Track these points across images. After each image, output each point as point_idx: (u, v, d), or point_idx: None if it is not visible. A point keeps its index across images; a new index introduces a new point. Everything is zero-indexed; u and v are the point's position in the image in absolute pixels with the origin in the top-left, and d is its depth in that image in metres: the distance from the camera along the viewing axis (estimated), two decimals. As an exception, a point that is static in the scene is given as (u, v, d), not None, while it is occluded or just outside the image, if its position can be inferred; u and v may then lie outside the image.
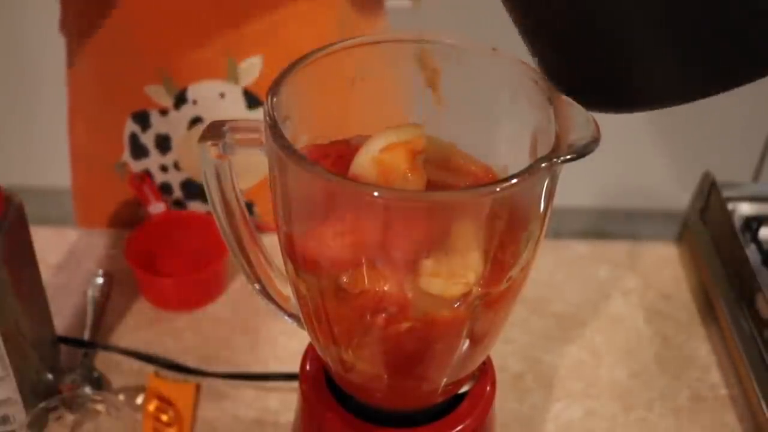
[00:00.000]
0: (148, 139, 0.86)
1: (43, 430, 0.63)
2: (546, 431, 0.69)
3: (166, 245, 0.81)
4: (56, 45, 0.88)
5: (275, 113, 0.43)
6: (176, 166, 0.88)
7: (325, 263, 0.43)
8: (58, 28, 0.86)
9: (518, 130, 0.47)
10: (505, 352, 0.75)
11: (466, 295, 0.43)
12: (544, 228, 0.45)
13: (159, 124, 0.85)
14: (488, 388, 0.53)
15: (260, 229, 0.86)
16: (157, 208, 0.84)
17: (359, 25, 0.87)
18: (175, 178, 0.89)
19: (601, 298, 0.81)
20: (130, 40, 0.80)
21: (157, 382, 0.70)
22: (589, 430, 0.69)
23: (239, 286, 0.80)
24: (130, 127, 0.86)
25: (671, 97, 0.40)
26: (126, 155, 0.88)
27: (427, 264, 0.42)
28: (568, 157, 0.41)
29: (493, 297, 0.44)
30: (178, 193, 0.90)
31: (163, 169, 0.88)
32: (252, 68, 0.82)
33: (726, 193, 0.81)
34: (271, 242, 0.50)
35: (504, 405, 0.70)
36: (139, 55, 0.81)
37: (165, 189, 0.89)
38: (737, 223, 0.80)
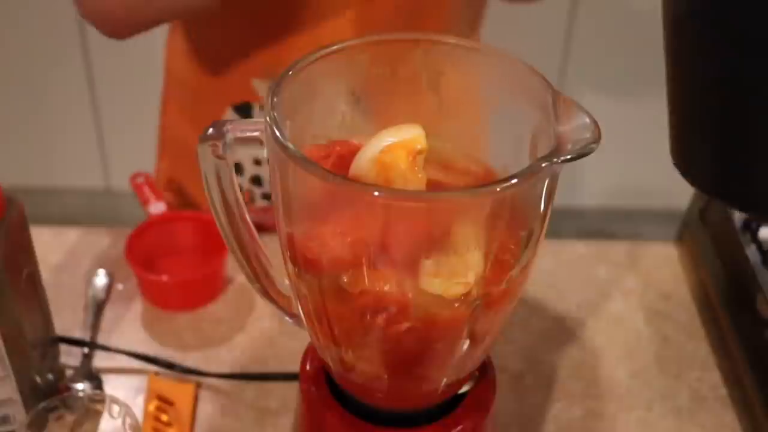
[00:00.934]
0: None
1: (43, 430, 0.63)
2: (546, 431, 0.69)
3: (166, 245, 0.81)
4: (56, 45, 0.87)
5: (276, 113, 0.43)
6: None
7: (325, 263, 0.43)
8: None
9: (518, 130, 0.47)
10: (505, 352, 0.75)
11: (466, 295, 0.43)
12: (544, 228, 0.45)
13: (259, 118, 0.86)
14: (488, 388, 0.53)
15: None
16: (157, 208, 0.84)
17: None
18: (266, 172, 0.90)
19: (601, 298, 0.81)
20: (240, 34, 0.82)
21: (157, 382, 0.70)
22: (589, 430, 0.69)
23: (239, 286, 0.80)
24: (229, 116, 0.86)
25: None
26: None
27: (428, 264, 0.42)
28: (568, 157, 0.41)
29: (493, 297, 0.44)
30: (266, 187, 0.91)
31: (257, 162, 0.89)
32: None
33: (726, 193, 0.81)
34: (271, 242, 0.50)
35: (504, 405, 0.70)
36: (250, 50, 0.82)
37: (255, 181, 0.90)
38: (737, 223, 0.80)
